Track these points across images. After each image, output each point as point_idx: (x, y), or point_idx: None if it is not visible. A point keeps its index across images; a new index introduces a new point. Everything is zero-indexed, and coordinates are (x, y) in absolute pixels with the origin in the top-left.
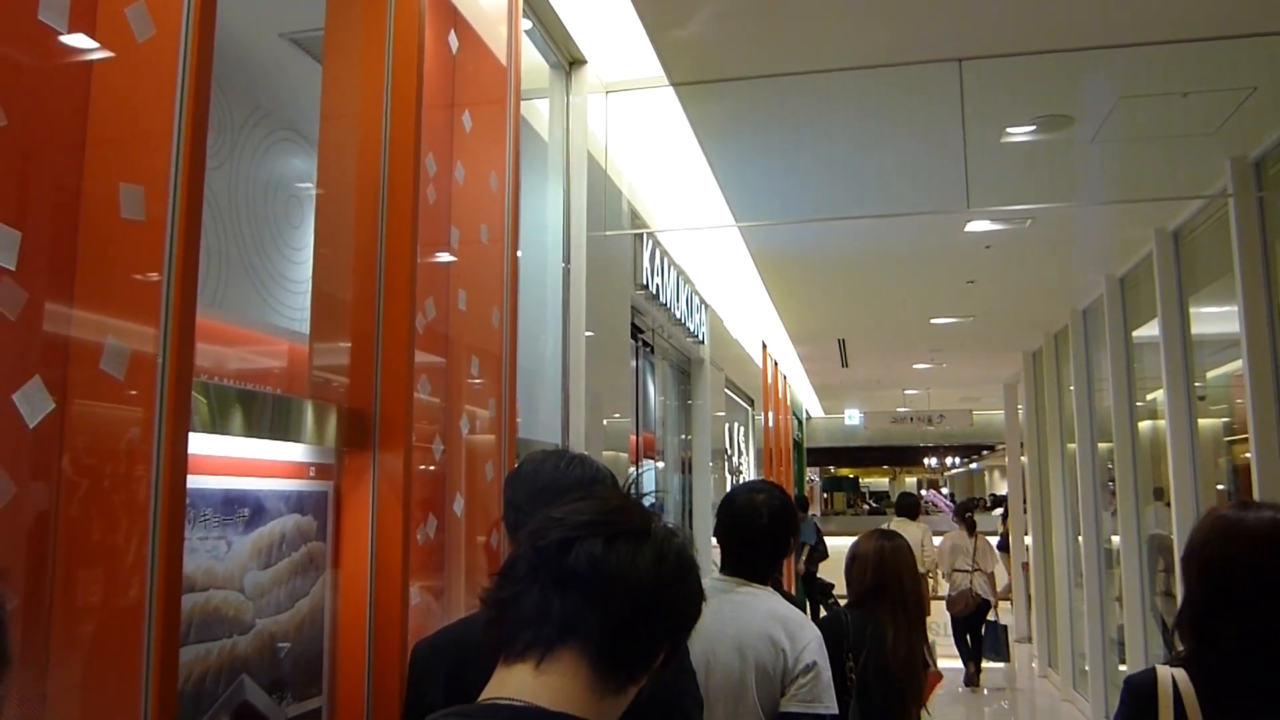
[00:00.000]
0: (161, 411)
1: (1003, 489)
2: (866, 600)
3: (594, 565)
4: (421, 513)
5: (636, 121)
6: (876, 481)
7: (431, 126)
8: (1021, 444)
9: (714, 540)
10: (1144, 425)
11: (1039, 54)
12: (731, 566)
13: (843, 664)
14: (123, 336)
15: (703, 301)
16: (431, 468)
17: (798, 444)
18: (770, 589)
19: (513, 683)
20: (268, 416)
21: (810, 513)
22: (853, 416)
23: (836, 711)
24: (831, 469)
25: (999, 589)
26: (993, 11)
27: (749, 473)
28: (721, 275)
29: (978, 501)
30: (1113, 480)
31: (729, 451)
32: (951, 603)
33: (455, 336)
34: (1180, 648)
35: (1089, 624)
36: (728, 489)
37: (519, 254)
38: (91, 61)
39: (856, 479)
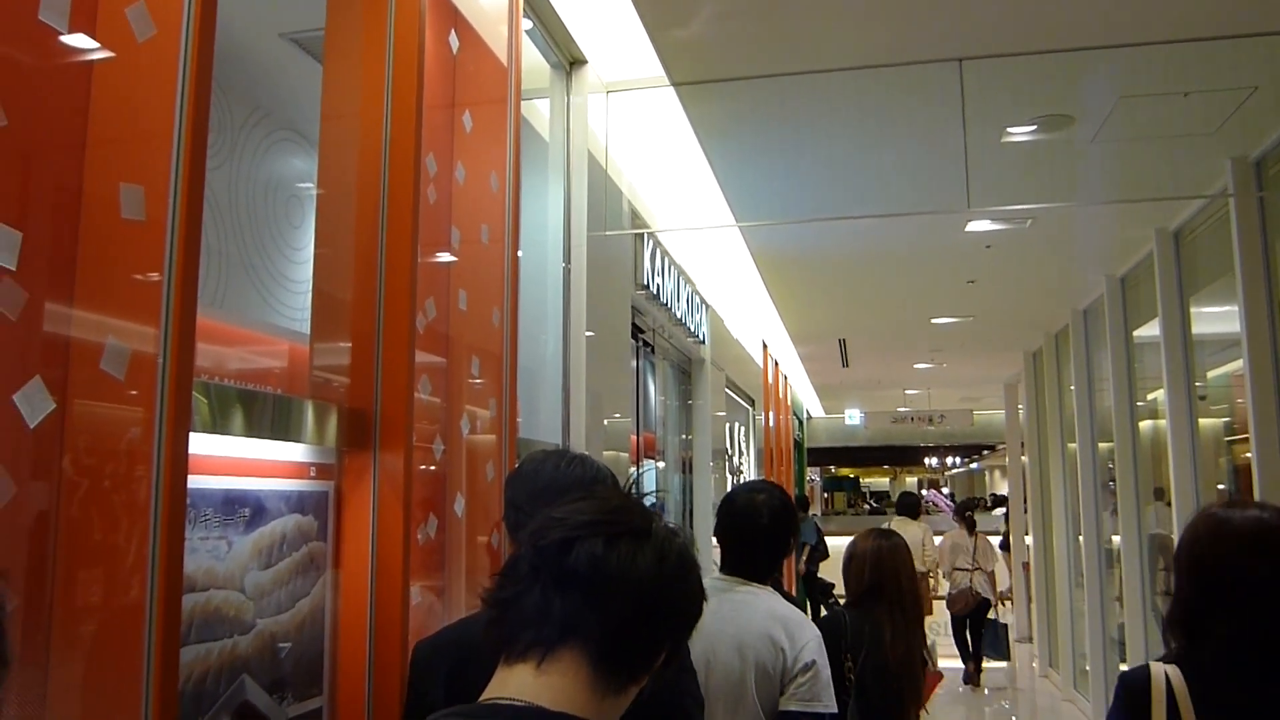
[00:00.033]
0: (162, 411)
1: (1003, 489)
2: (864, 600)
3: (595, 565)
4: (422, 513)
5: (637, 121)
6: (877, 481)
7: (432, 126)
8: (1022, 444)
9: (714, 540)
10: (1144, 425)
11: (1039, 54)
12: (731, 566)
13: (841, 664)
14: (123, 336)
15: (703, 301)
16: (432, 468)
17: (798, 444)
18: (770, 589)
19: (514, 683)
20: (268, 416)
21: (811, 513)
22: (853, 416)
23: (836, 710)
24: (832, 469)
25: (1000, 589)
26: (993, 11)
27: (749, 473)
28: (722, 275)
29: (978, 501)
30: (1113, 480)
31: (729, 451)
32: (951, 601)
33: (456, 336)
34: (1171, 645)
35: (1090, 624)
36: (728, 489)
37: (519, 254)
38: (92, 61)
39: (857, 479)
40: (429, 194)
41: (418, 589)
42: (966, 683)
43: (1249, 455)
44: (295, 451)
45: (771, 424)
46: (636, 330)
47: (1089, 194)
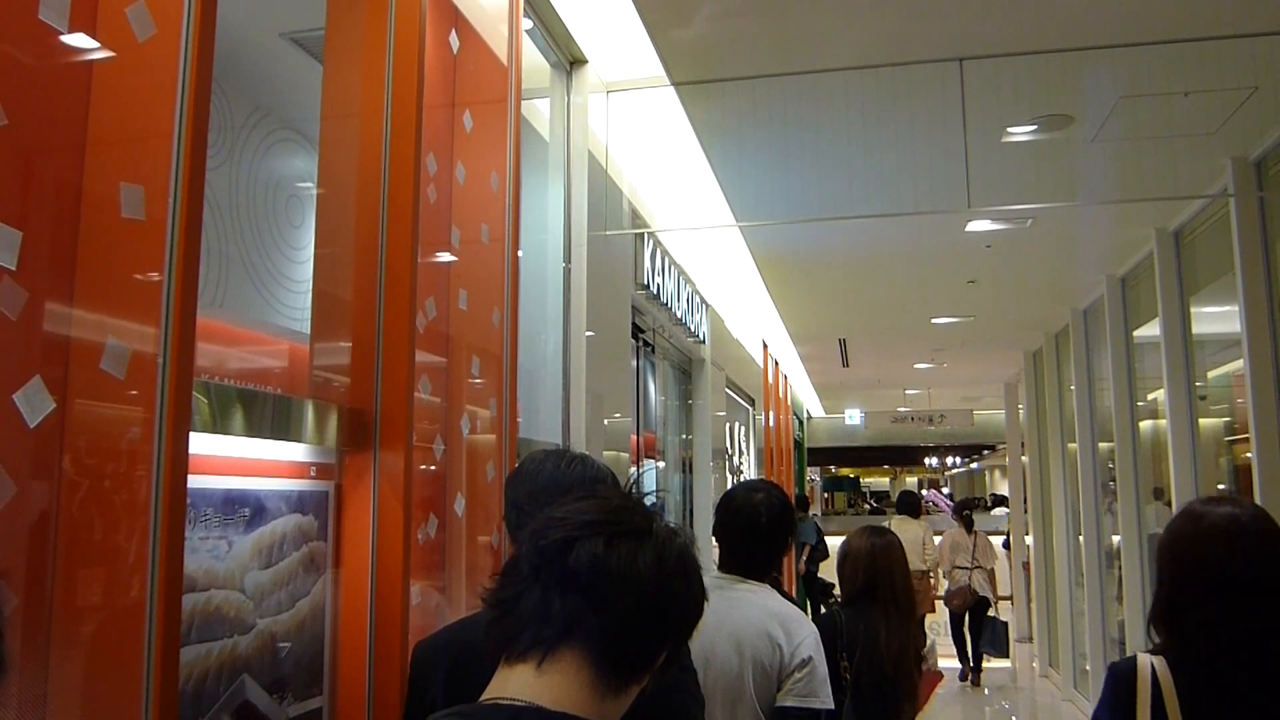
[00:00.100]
0: (162, 411)
1: (1003, 489)
2: (859, 599)
3: (595, 565)
4: (422, 512)
5: (637, 121)
6: (877, 481)
7: (432, 126)
8: (1022, 444)
9: (713, 539)
10: (1145, 425)
11: (1039, 54)
12: (729, 564)
13: (836, 664)
14: (123, 336)
15: (703, 301)
16: (432, 467)
17: (798, 444)
18: (768, 586)
19: (514, 682)
20: (268, 416)
21: (811, 512)
22: (853, 416)
23: (832, 706)
24: (832, 469)
25: (999, 590)
26: (993, 11)
27: (749, 472)
28: (722, 275)
29: (977, 501)
30: (1113, 480)
31: (729, 451)
32: (949, 598)
33: (456, 336)
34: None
35: (1090, 623)
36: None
37: (520, 254)
38: (92, 61)
39: (857, 479)
40: (429, 194)
41: (418, 589)
42: (963, 680)
43: (1249, 455)
44: (295, 451)
45: (771, 424)
46: (637, 330)
47: (1089, 194)
